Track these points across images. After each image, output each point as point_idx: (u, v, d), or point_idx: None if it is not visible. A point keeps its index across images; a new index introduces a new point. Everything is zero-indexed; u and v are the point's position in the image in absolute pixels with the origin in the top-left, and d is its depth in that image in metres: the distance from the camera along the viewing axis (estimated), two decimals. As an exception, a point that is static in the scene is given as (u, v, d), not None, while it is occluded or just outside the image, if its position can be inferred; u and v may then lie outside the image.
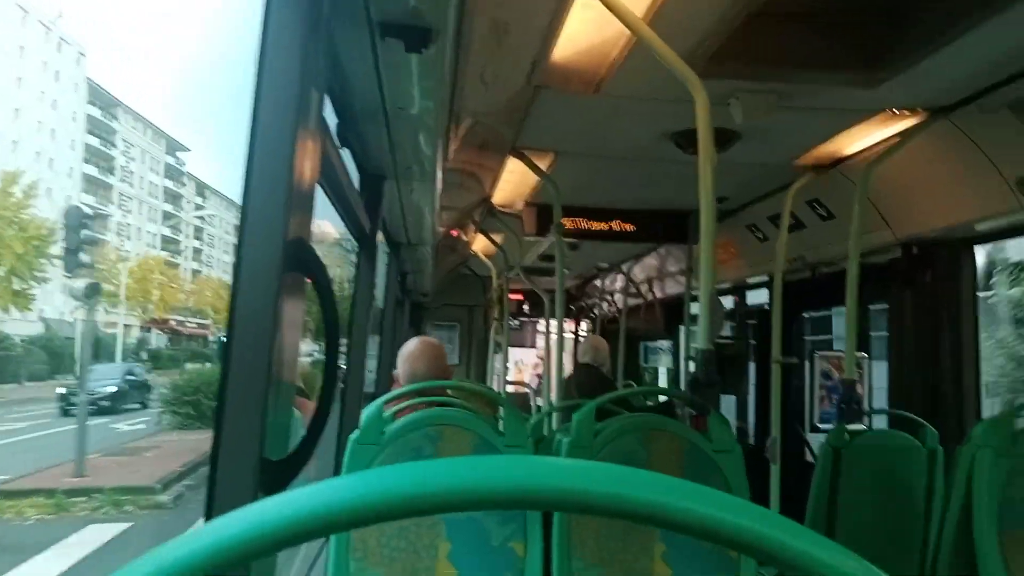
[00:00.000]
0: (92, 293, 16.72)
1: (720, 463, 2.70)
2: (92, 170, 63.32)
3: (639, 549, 2.67)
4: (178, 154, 77.22)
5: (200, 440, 18.44)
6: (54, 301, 51.80)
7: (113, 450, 18.34)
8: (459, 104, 2.82)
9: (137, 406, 29.08)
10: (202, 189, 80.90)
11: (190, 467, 16.20)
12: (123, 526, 12.19)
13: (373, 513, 0.43)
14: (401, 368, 3.48)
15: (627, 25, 2.25)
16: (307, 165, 1.58)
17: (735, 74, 2.81)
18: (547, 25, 2.37)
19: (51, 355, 42.26)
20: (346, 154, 2.85)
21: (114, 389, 28.03)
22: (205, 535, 0.43)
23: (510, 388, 9.42)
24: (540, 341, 10.95)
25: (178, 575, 0.42)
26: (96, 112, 64.46)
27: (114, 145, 66.37)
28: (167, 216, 72.15)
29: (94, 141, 63.88)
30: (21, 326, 45.20)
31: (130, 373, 30.79)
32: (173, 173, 75.70)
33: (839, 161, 3.98)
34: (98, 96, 65.05)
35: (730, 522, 0.44)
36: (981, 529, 2.91)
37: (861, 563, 0.44)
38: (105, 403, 26.59)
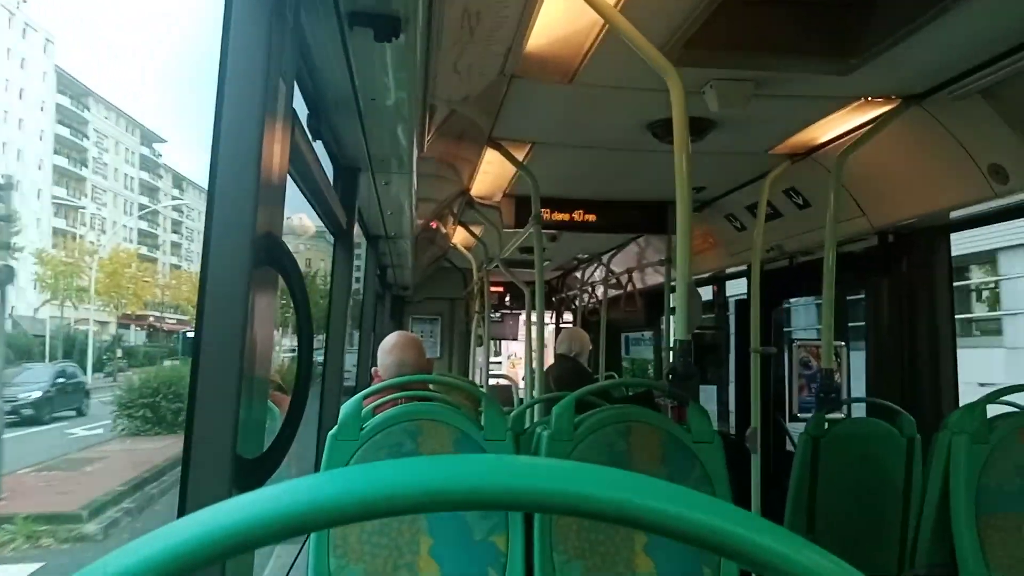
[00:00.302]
0: (4, 279, 14.37)
1: (700, 454, 2.70)
2: (63, 161, 60.91)
3: (621, 541, 2.67)
4: (154, 145, 74.99)
5: (156, 449, 16.96)
6: (27, 297, 49.33)
7: (50, 463, 15.89)
8: (433, 95, 2.79)
9: (71, 413, 25.75)
10: (179, 181, 78.70)
11: (133, 485, 13.77)
12: (35, 567, 10.11)
13: (340, 513, 0.42)
14: (384, 362, 3.45)
15: (600, 13, 2.23)
16: (276, 157, 1.55)
17: (710, 62, 2.80)
18: (519, 14, 2.35)
19: (18, 355, 36.72)
20: (319, 147, 2.83)
21: (39, 394, 24.14)
22: (178, 532, 0.41)
23: (492, 381, 9.41)
24: (523, 333, 10.96)
25: (148, 573, 0.41)
26: (66, 101, 61.94)
27: (86, 136, 64.04)
28: (143, 210, 69.84)
29: (64, 131, 61.44)
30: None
31: (61, 375, 26.59)
32: (149, 165, 73.44)
33: (814, 149, 3.99)
34: (68, 85, 62.45)
35: (701, 522, 0.43)
36: (958, 514, 2.94)
37: (835, 561, 0.43)
38: (28, 411, 23.07)
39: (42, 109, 59.29)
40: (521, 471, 0.43)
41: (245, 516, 0.42)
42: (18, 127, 56.52)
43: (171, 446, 16.97)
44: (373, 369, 3.47)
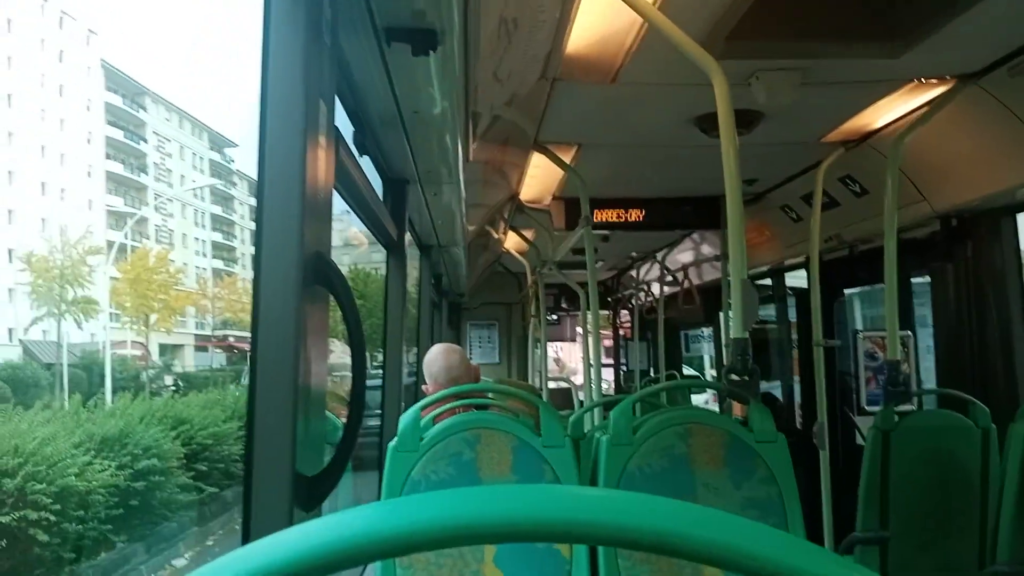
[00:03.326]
0: None
1: (763, 454, 2.64)
2: (117, 167, 53.16)
3: None
4: (225, 151, 66.55)
5: None
6: (19, 312, 38.54)
7: None
8: (476, 103, 2.79)
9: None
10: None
11: None
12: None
13: (406, 543, 0.43)
14: (431, 371, 3.46)
15: (638, 12, 2.20)
16: (320, 176, 1.57)
17: (755, 53, 2.75)
18: (557, 18, 2.34)
19: (17, 388, 27.91)
20: (367, 162, 2.85)
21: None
22: (248, 559, 0.42)
23: (551, 384, 9.40)
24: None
25: None
26: (118, 101, 53.92)
27: (144, 139, 56.21)
28: (217, 220, 62.14)
29: (117, 134, 53.44)
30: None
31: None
32: (220, 172, 65.10)
33: (869, 135, 3.89)
34: (119, 83, 54.29)
35: (753, 553, 0.41)
36: None
37: None
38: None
39: (88, 108, 51.32)
40: (570, 504, 0.43)
41: (303, 547, 0.42)
42: (60, 127, 48.38)
43: None
44: (424, 387, 3.48)
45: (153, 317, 41.95)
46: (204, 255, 60.25)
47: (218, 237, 63.41)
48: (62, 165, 48.42)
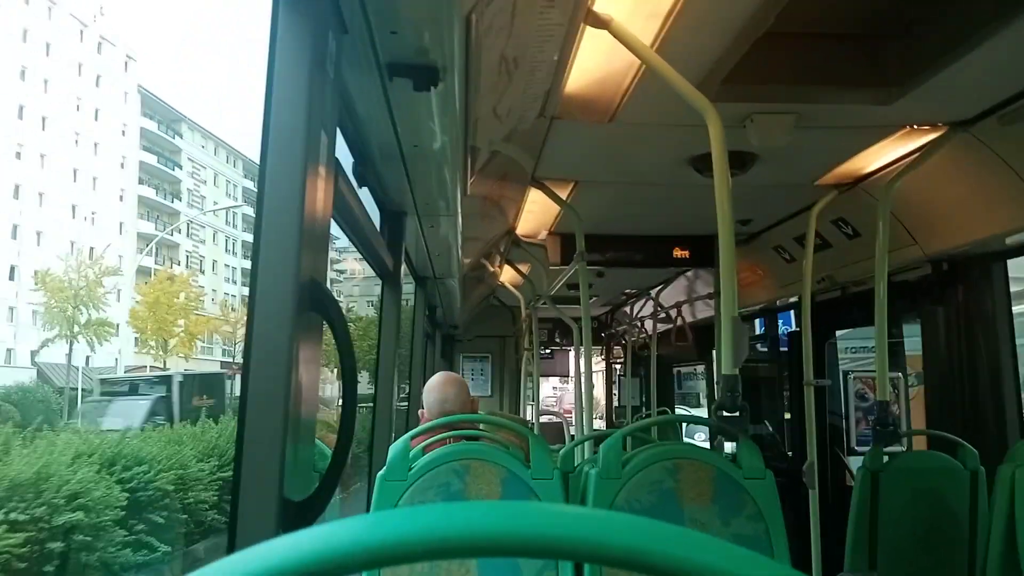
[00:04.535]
0: None
1: (751, 491, 2.64)
2: (149, 192, 53.75)
3: None
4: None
5: None
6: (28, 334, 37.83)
7: None
8: (475, 139, 2.84)
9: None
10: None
11: None
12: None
13: (380, 556, 0.43)
14: (427, 400, 3.48)
15: (636, 54, 2.25)
16: (319, 205, 1.59)
17: (750, 96, 2.81)
18: (556, 58, 2.39)
19: (26, 411, 23.68)
20: (366, 193, 2.89)
21: None
22: (237, 566, 0.42)
23: (543, 418, 9.37)
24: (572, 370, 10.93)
25: None
26: (152, 126, 54.75)
27: (178, 165, 57.18)
28: (248, 247, 58.92)
29: (151, 159, 54.19)
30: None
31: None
32: (253, 199, 65.19)
33: (861, 179, 3.94)
34: (155, 108, 55.30)
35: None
36: None
37: None
38: None
39: (124, 133, 52.04)
40: (558, 521, 0.44)
41: (290, 556, 0.43)
42: (94, 152, 49.09)
43: None
44: (420, 411, 3.49)
45: (172, 342, 40.62)
46: (234, 282, 59.95)
47: (248, 264, 62.15)
48: (94, 189, 49.05)
